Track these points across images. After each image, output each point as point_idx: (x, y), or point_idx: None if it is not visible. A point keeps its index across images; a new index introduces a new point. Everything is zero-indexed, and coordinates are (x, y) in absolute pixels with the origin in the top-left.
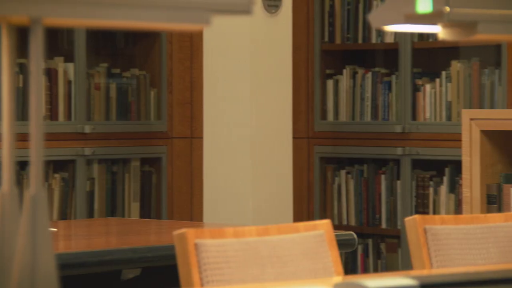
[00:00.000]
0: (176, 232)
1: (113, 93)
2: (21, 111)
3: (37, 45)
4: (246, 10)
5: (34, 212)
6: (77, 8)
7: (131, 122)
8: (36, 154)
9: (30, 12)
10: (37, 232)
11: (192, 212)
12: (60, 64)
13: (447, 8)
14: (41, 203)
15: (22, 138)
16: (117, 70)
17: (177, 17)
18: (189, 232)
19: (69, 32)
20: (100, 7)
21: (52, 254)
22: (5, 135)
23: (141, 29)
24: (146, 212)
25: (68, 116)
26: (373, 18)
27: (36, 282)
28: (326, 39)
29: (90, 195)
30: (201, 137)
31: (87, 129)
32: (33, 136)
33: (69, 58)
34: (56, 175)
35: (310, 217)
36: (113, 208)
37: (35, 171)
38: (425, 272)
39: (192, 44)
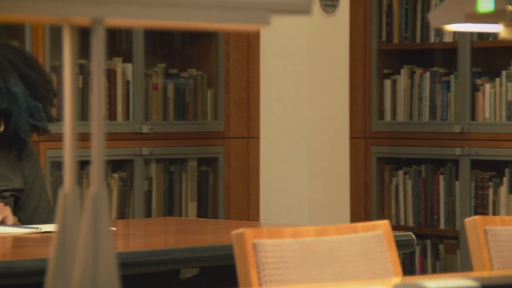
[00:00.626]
0: (234, 232)
1: (170, 93)
2: (81, 111)
3: (98, 46)
4: (305, 10)
5: (96, 211)
6: (138, 9)
7: (188, 122)
8: (98, 154)
9: (92, 13)
10: (98, 231)
11: (248, 212)
12: (118, 65)
13: (509, 7)
14: (103, 202)
15: (81, 138)
16: (175, 71)
17: (236, 17)
18: (247, 232)
19: (127, 33)
20: (160, 7)
21: (113, 253)
22: (67, 135)
23: (200, 30)
24: (203, 211)
25: (127, 116)
26: (433, 17)
27: (97, 280)
28: (384, 38)
29: (148, 194)
30: (257, 137)
31: (145, 129)
32: (94, 136)
33: (127, 58)
34: (115, 175)
35: (367, 217)
36: (171, 208)
37: (96, 170)
38: (485, 273)
39: (249, 45)
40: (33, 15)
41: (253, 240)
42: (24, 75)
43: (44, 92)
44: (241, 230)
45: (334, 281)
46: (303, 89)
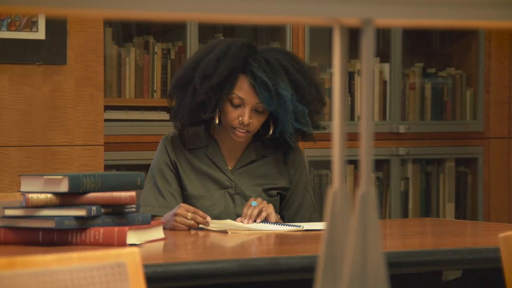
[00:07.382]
0: (502, 235)
1: (428, 93)
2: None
3: (368, 46)
4: None
5: (365, 210)
6: (408, 8)
7: (446, 122)
8: (366, 153)
9: (362, 13)
10: (367, 230)
11: (510, 214)
12: (376, 65)
13: None
14: (372, 201)
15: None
16: (433, 70)
17: (509, 14)
18: None
19: (385, 32)
20: (431, 6)
21: (381, 252)
22: (336, 135)
23: (464, 28)
24: (461, 213)
25: (383, 116)
26: None
27: (366, 280)
28: None
29: (405, 195)
30: None
31: (402, 129)
32: (363, 136)
33: (384, 58)
34: (372, 174)
35: None
36: (428, 208)
37: (365, 170)
38: None
39: (511, 42)
40: (302, 17)
41: None
42: (293, 80)
43: (311, 98)
44: (509, 232)
45: None
46: None
